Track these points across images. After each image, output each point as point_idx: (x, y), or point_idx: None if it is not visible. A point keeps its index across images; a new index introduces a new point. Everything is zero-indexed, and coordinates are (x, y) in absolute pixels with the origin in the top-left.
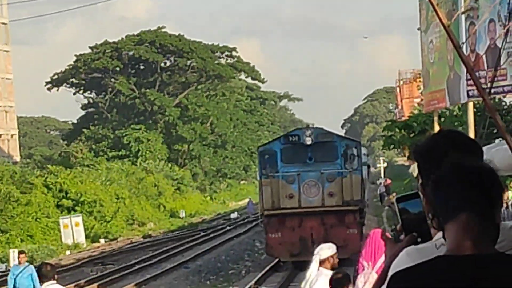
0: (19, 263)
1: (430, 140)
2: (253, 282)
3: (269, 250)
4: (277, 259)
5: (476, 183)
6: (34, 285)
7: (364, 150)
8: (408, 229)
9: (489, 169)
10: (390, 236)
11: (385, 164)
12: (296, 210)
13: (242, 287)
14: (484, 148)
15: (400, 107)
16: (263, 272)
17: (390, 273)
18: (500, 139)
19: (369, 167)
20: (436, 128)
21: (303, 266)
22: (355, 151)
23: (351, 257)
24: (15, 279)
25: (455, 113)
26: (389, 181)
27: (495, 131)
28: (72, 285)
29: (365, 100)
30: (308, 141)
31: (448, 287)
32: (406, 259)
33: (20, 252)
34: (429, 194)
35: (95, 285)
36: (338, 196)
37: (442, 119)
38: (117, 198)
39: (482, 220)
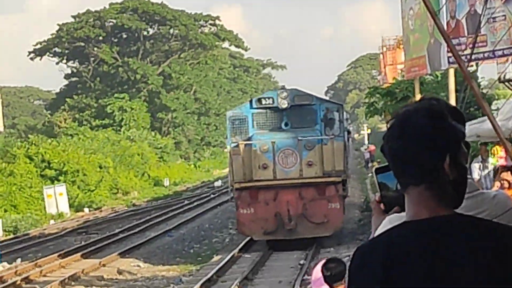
0: None
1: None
2: (236, 250)
3: (241, 227)
4: (248, 238)
5: (413, 138)
6: None
7: (345, 115)
8: (388, 204)
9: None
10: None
11: (369, 131)
12: (271, 183)
13: (225, 255)
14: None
15: (383, 73)
16: (246, 240)
17: None
18: None
19: (349, 133)
20: (418, 95)
21: (279, 245)
22: (336, 115)
23: (333, 235)
24: None
25: (436, 80)
26: (372, 148)
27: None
28: (56, 254)
29: (349, 67)
30: (284, 104)
31: (408, 251)
32: (388, 225)
33: None
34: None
35: (79, 254)
36: (318, 166)
37: (424, 86)
38: (101, 167)
39: (432, 189)
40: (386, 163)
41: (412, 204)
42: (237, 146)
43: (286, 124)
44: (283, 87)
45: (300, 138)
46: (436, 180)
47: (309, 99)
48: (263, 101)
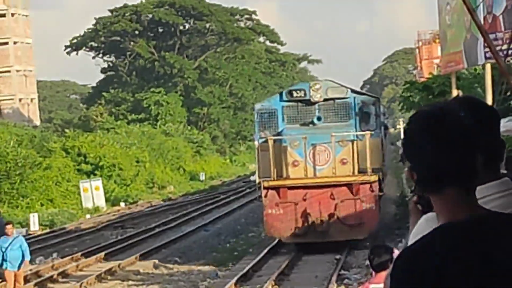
0: (7, 234)
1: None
2: (272, 245)
3: (268, 228)
4: (276, 240)
5: (445, 138)
6: (24, 256)
7: (382, 109)
8: (425, 206)
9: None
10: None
11: (405, 125)
12: (301, 181)
13: (261, 250)
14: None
15: (419, 68)
16: None
17: (410, 242)
18: None
19: (386, 128)
20: (454, 90)
21: (309, 248)
22: (372, 109)
23: (367, 239)
24: (4, 252)
25: (474, 74)
26: None
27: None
28: (92, 248)
29: (385, 61)
30: (316, 97)
31: (451, 254)
32: (425, 224)
33: (7, 223)
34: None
35: (115, 248)
36: (352, 164)
37: (460, 81)
38: (137, 162)
39: (468, 189)
40: None
41: (448, 205)
42: (266, 141)
43: (318, 119)
44: (315, 79)
45: (333, 133)
46: (472, 180)
47: (343, 92)
48: (294, 94)
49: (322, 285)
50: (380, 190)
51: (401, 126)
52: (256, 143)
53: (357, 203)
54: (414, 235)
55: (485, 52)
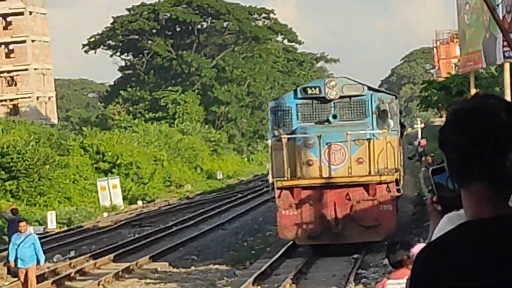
0: (20, 232)
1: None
2: (290, 243)
3: (282, 230)
4: (290, 243)
5: (475, 136)
6: (37, 255)
7: (400, 107)
8: (445, 206)
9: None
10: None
11: (422, 125)
12: (316, 181)
13: (279, 248)
14: None
15: (437, 67)
16: None
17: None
18: None
19: (404, 126)
20: (473, 89)
21: (324, 250)
22: (390, 107)
23: (384, 240)
24: (16, 249)
25: (492, 74)
26: (424, 142)
27: None
28: (109, 247)
29: (402, 61)
30: (332, 94)
31: (473, 252)
32: (447, 224)
33: (20, 221)
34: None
35: (132, 247)
36: (369, 164)
37: (479, 80)
38: (155, 160)
39: (495, 187)
40: (443, 164)
41: (473, 202)
42: (279, 140)
43: (334, 116)
44: (330, 76)
45: (349, 132)
46: (499, 177)
47: (359, 89)
48: (309, 91)
49: (340, 284)
50: (398, 190)
51: (418, 125)
52: (269, 141)
53: (374, 204)
54: (436, 235)
55: (504, 52)
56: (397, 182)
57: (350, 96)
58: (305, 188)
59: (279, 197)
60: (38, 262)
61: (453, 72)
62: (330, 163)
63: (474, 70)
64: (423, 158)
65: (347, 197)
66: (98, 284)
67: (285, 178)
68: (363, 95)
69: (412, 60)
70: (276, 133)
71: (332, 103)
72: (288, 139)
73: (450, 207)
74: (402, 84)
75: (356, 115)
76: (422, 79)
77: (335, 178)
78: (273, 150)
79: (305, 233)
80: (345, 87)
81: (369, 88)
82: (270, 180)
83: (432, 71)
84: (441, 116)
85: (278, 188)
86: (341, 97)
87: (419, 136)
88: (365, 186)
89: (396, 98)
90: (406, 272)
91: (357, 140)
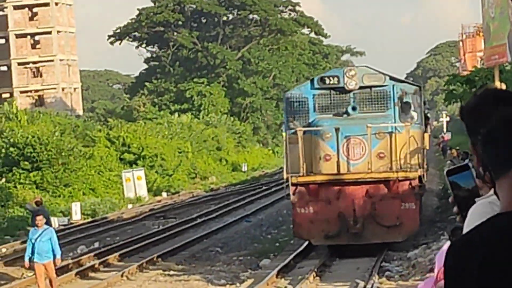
0: (37, 226)
1: (476, 98)
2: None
3: (297, 229)
4: (306, 242)
5: None
6: (53, 249)
7: (424, 99)
8: (461, 205)
9: None
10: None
11: (448, 118)
12: (334, 177)
13: (303, 240)
14: None
15: (463, 61)
16: None
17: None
18: None
19: (428, 119)
20: (497, 83)
21: (342, 251)
22: (413, 98)
23: (408, 240)
24: (33, 243)
25: None
26: (447, 137)
27: None
28: (134, 238)
29: (428, 54)
30: (351, 84)
31: (503, 244)
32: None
33: (37, 214)
34: (479, 150)
35: (157, 238)
36: (391, 159)
37: (504, 74)
38: (180, 152)
39: None
40: (458, 165)
41: (506, 193)
42: (295, 132)
43: (353, 108)
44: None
45: (369, 124)
46: None
47: (381, 79)
48: (327, 81)
49: (364, 277)
50: (421, 188)
51: (444, 118)
52: (284, 134)
53: (396, 202)
54: (467, 223)
55: None
56: (420, 178)
57: (370, 87)
58: (321, 184)
59: (294, 194)
60: (54, 256)
61: (479, 66)
62: (349, 158)
63: (498, 63)
64: (448, 152)
65: (367, 195)
66: (122, 276)
67: (301, 174)
68: (385, 86)
69: (438, 53)
70: (291, 125)
71: (351, 94)
72: (304, 132)
73: (465, 206)
74: (428, 77)
75: (377, 107)
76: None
77: (354, 174)
78: (288, 143)
79: (322, 232)
80: (365, 76)
81: (391, 78)
82: (285, 176)
83: (457, 64)
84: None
85: (293, 185)
86: (361, 87)
87: (444, 129)
88: (386, 182)
89: (420, 89)
90: None
91: (378, 134)
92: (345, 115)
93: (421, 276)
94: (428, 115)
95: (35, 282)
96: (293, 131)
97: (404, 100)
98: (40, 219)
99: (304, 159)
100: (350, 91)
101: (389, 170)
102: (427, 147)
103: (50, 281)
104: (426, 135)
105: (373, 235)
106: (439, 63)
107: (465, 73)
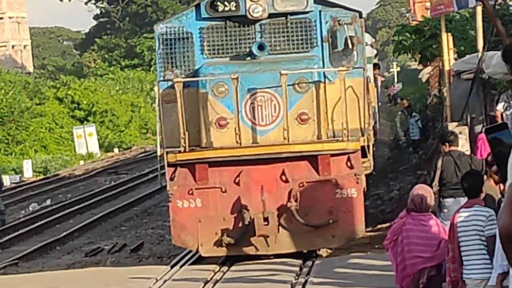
0: None
1: None
2: None
3: (177, 233)
4: (189, 252)
5: None
6: None
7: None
8: (500, 163)
9: None
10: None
11: (398, 69)
12: (232, 153)
13: None
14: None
15: (412, 11)
16: None
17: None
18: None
19: (376, 66)
20: (444, 33)
21: (248, 261)
22: (351, 31)
23: (343, 246)
24: None
25: (466, 17)
26: (397, 88)
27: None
28: (86, 194)
29: (378, 5)
30: (257, 11)
31: None
32: None
33: None
34: None
35: (108, 194)
36: (317, 123)
37: (452, 23)
38: (133, 106)
39: None
40: (496, 124)
41: None
42: (172, 86)
43: (260, 47)
44: None
45: (285, 71)
46: None
47: (302, 2)
48: (220, 6)
49: None
50: (365, 165)
51: (394, 69)
52: (155, 89)
53: (327, 188)
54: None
55: None
56: (364, 150)
57: (286, 14)
58: (213, 163)
59: (171, 179)
60: None
61: (428, 16)
62: (255, 123)
63: (445, 13)
64: (399, 101)
65: (283, 178)
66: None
67: (181, 149)
68: (308, 12)
69: (387, 4)
70: (168, 75)
71: (257, 26)
72: (186, 84)
73: (505, 164)
74: (378, 28)
75: (296, 45)
76: (398, 23)
77: (263, 147)
78: (163, 103)
79: (215, 237)
80: (277, 0)
81: (316, 2)
82: (159, 152)
83: (407, 15)
84: (415, 60)
85: (170, 165)
86: (271, 15)
87: (395, 80)
88: (312, 159)
89: (360, 15)
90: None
91: (297, 85)
92: (248, 58)
93: (371, 227)
94: (377, 62)
95: None
96: (170, 84)
97: (338, 34)
98: None
99: (186, 126)
100: (255, 21)
101: (316, 140)
102: (373, 103)
103: None
104: (372, 86)
105: (293, 240)
106: (389, 13)
107: (414, 23)
